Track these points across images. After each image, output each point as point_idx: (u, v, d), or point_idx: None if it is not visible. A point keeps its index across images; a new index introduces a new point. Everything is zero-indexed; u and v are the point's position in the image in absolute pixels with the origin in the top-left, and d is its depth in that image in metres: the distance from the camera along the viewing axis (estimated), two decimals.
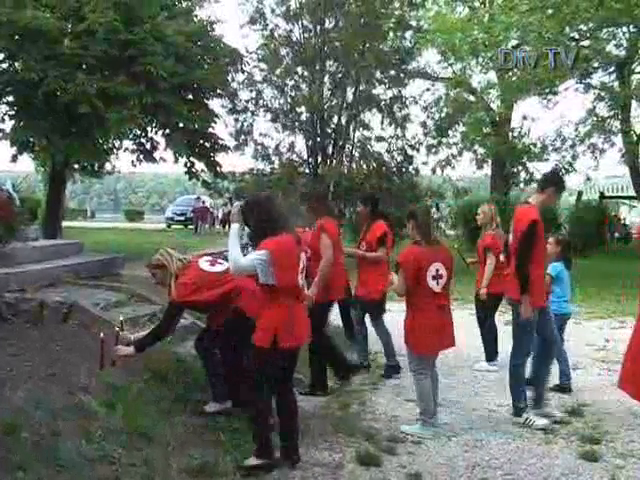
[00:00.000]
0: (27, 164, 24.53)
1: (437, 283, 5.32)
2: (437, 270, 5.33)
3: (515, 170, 26.09)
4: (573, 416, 5.82)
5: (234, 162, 20.05)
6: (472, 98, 24.97)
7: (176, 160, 17.02)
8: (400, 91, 20.23)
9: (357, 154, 19.93)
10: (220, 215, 34.51)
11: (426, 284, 5.28)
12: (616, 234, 28.97)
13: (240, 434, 4.79)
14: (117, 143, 18.19)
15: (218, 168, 17.56)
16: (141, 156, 17.72)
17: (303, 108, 19.65)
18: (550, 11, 16.91)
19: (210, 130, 17.22)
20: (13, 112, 15.74)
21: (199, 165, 17.60)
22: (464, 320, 8.97)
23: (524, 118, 25.52)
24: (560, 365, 6.67)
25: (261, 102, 19.90)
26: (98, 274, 8.41)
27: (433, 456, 4.87)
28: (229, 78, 17.51)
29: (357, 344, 7.50)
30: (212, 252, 7.09)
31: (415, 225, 5.47)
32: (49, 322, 6.07)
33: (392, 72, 19.67)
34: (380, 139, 20.05)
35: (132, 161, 17.93)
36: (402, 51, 19.93)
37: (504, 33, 18.07)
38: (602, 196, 29.00)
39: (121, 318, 5.22)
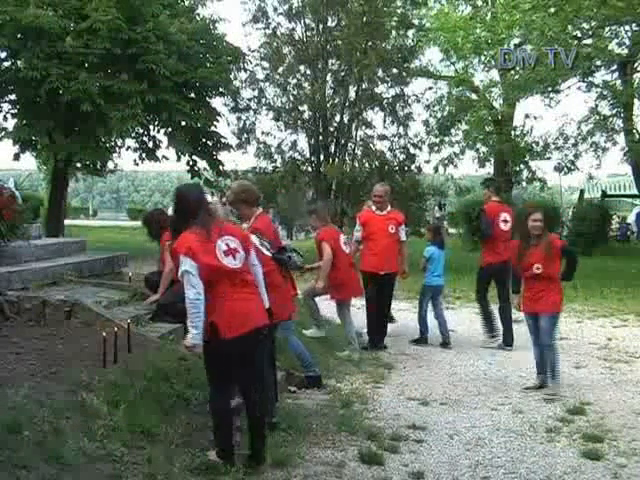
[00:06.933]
0: (30, 162, 24.63)
1: (347, 248, 7.86)
2: (343, 239, 7.93)
3: (517, 169, 26.04)
4: (575, 414, 5.81)
5: (236, 160, 20.06)
6: (474, 96, 24.94)
7: (178, 158, 17.06)
8: (402, 89, 20.21)
9: (359, 152, 19.91)
10: None
11: (341, 249, 7.67)
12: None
13: (242, 432, 4.78)
14: (119, 141, 18.26)
15: (220, 166, 17.59)
16: (143, 154, 17.77)
17: (305, 106, 19.65)
18: (553, 9, 16.88)
19: (212, 128, 17.27)
20: (15, 110, 15.81)
21: (201, 163, 17.66)
22: (465, 318, 8.99)
23: (526, 116, 25.43)
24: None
25: (263, 100, 19.89)
26: (101, 272, 8.43)
27: (435, 455, 4.87)
28: (231, 76, 17.53)
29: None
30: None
31: (317, 218, 7.87)
32: (51, 320, 6.07)
33: (394, 70, 19.65)
34: (382, 137, 20.04)
35: (134, 159, 17.99)
36: (404, 49, 19.90)
37: (507, 31, 18.05)
38: (604, 195, 28.91)
39: (128, 321, 5.21)
